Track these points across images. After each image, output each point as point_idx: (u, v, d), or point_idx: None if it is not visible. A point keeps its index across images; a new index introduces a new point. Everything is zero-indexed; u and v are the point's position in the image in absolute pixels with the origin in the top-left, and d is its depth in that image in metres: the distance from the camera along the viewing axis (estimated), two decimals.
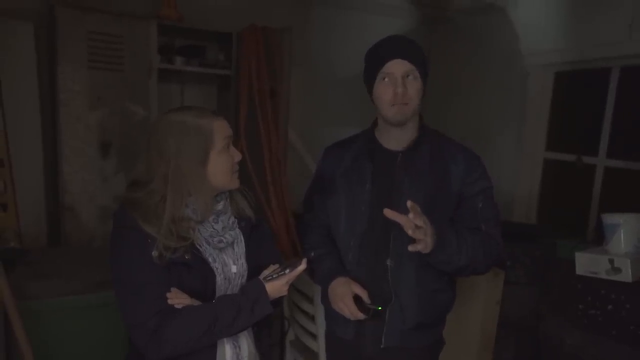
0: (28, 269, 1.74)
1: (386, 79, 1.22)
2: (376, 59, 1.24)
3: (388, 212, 1.06)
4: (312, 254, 1.32)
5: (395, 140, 1.30)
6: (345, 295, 1.23)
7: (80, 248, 2.27)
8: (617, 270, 1.73)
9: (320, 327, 1.82)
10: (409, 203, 1.05)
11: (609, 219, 1.83)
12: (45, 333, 1.61)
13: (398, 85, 1.20)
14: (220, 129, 1.06)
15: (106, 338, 1.71)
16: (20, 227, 2.08)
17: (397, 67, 1.20)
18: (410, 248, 1.09)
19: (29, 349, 1.42)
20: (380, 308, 1.23)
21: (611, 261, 1.75)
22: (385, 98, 1.22)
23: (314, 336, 1.93)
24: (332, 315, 1.35)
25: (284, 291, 1.07)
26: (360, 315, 1.22)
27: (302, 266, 1.06)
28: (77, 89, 2.24)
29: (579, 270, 1.84)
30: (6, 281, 1.41)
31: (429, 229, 1.08)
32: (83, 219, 2.33)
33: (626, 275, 1.72)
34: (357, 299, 1.23)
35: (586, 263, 1.83)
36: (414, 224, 1.05)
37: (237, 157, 1.10)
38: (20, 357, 1.43)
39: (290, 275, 1.06)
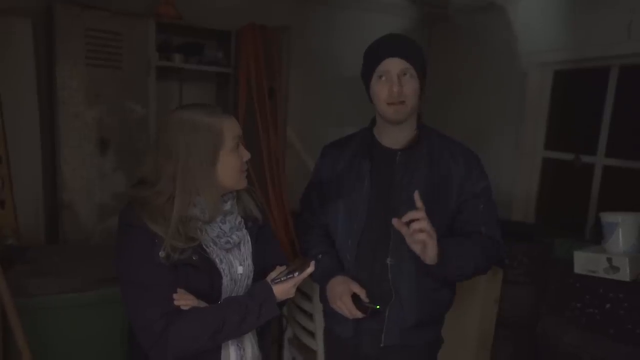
0: (26, 267, 1.74)
1: (383, 77, 1.22)
2: (373, 57, 1.23)
3: (396, 222, 1.08)
4: (320, 256, 1.32)
5: (394, 138, 1.30)
6: (343, 294, 1.23)
7: (78, 245, 2.27)
8: (615, 269, 1.74)
9: (318, 325, 1.82)
10: (416, 195, 1.07)
11: (607, 217, 1.83)
12: (43, 331, 1.61)
13: (394, 83, 1.19)
14: (231, 128, 1.04)
15: (104, 335, 1.71)
16: (18, 225, 2.07)
17: (393, 65, 1.20)
18: (418, 251, 1.10)
19: (26, 347, 1.41)
20: (378, 307, 1.23)
21: (609, 260, 1.75)
22: (381, 96, 1.22)
23: (312, 334, 1.93)
24: (331, 314, 1.35)
25: (291, 294, 1.06)
26: (359, 314, 1.22)
27: (310, 269, 1.05)
28: (75, 86, 2.24)
29: (577, 269, 1.85)
30: (4, 279, 1.41)
31: (434, 232, 1.09)
32: (81, 216, 2.32)
33: (624, 274, 1.72)
34: (355, 298, 1.23)
35: (584, 262, 1.83)
36: (418, 227, 1.06)
37: (246, 156, 1.09)
38: (18, 355, 1.42)
39: (299, 277, 1.05)
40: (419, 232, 1.07)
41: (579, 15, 2.50)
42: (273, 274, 1.08)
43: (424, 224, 1.06)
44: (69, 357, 1.68)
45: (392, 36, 1.25)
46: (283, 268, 1.08)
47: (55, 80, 2.21)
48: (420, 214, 1.07)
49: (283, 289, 1.04)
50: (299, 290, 1.94)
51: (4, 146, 2.02)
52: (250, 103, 2.52)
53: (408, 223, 1.08)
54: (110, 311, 1.66)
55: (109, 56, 2.29)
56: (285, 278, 1.04)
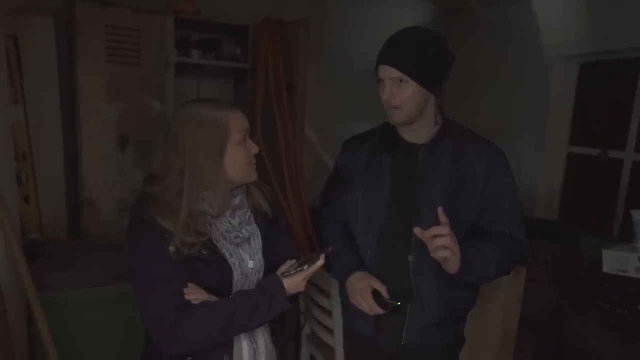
0: (49, 261, 1.77)
1: (380, 82, 1.20)
2: (377, 60, 1.22)
3: (418, 231, 1.06)
4: (330, 248, 1.30)
5: (415, 134, 1.27)
6: (363, 289, 1.21)
7: (99, 241, 2.30)
8: None
9: (336, 321, 1.80)
10: (439, 210, 1.05)
11: (639, 215, 1.76)
12: (64, 324, 1.63)
13: (385, 90, 1.18)
14: (237, 121, 1.04)
15: (124, 330, 1.73)
16: (42, 220, 2.11)
17: (385, 72, 1.18)
18: (440, 260, 1.09)
19: (49, 338, 1.44)
20: (399, 303, 1.21)
21: None
22: (382, 98, 1.21)
23: (330, 331, 1.92)
24: (350, 310, 1.33)
25: (301, 287, 1.06)
26: (379, 310, 1.20)
27: (320, 262, 1.04)
28: (95, 83, 2.26)
29: (606, 268, 1.78)
30: (30, 274, 1.43)
31: (457, 249, 1.07)
32: (101, 212, 2.35)
33: None
34: (375, 294, 1.21)
35: (614, 261, 1.76)
36: (441, 243, 1.04)
37: (255, 149, 1.09)
38: (42, 345, 1.45)
39: (309, 271, 1.04)
40: (442, 248, 1.05)
41: (606, 5, 2.40)
42: (283, 268, 1.07)
43: (448, 240, 1.04)
44: (89, 351, 1.70)
45: (390, 41, 1.21)
46: (293, 261, 1.08)
47: (76, 78, 2.24)
48: (444, 229, 1.04)
49: (293, 282, 1.04)
50: (317, 286, 1.93)
51: (28, 142, 2.06)
52: (267, 97, 2.50)
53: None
54: (130, 306, 1.66)
55: (128, 53, 2.31)
56: (295, 271, 1.04)
